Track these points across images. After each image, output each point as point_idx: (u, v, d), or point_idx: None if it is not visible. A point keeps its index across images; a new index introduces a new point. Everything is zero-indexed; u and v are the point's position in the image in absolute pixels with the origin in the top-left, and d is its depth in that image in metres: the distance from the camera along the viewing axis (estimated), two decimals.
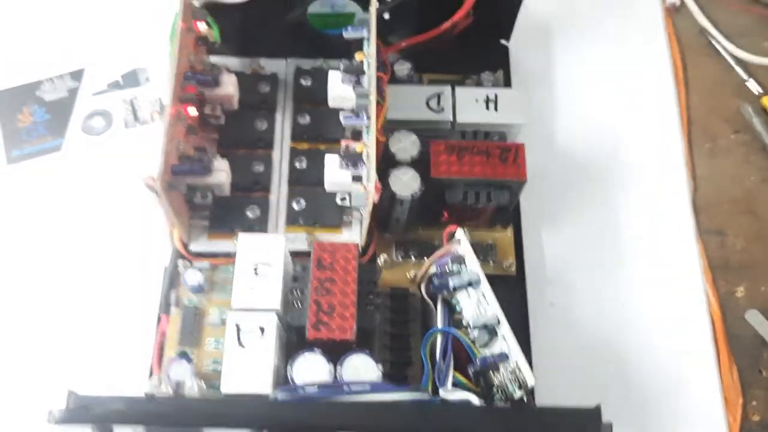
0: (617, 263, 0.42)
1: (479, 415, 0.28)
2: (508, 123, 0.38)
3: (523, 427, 0.28)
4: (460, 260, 0.33)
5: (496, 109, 0.39)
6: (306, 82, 0.43)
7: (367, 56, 0.36)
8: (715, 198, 0.45)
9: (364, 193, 0.35)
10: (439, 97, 0.39)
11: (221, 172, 0.38)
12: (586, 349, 0.40)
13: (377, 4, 0.37)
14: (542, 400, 0.34)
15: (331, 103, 0.40)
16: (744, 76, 0.49)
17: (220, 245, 0.38)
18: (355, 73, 0.38)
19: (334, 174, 0.37)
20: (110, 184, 0.43)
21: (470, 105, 0.39)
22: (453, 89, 0.39)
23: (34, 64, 0.47)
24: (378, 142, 0.35)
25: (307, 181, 0.40)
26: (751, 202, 0.46)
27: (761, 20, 0.51)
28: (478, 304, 0.33)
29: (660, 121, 0.47)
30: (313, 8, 0.41)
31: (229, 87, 0.40)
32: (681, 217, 0.44)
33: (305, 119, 0.42)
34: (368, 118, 0.35)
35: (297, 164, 0.40)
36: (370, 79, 0.36)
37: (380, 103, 0.36)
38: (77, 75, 0.47)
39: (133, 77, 0.47)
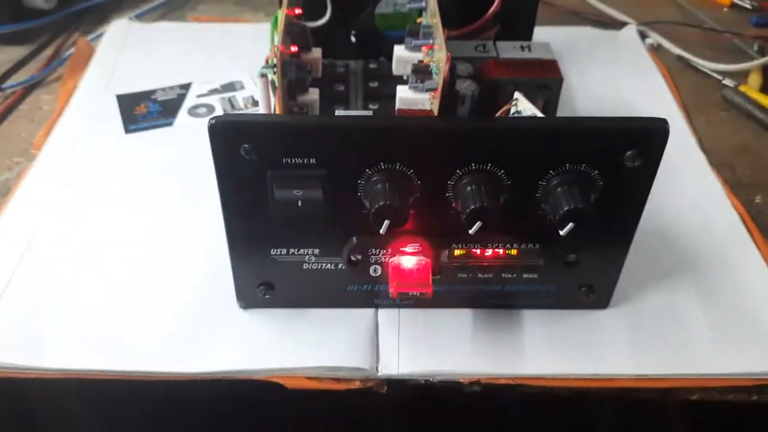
0: None
1: None
2: (541, 58, 0.49)
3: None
4: (518, 113, 0.41)
5: (530, 51, 0.49)
6: (373, 65, 0.54)
7: None
8: (718, 146, 0.53)
9: (435, 82, 0.44)
10: (484, 45, 0.50)
11: (314, 95, 0.47)
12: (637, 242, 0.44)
13: None
14: None
15: (395, 68, 0.51)
16: (719, 77, 0.61)
17: None
18: (416, 34, 0.49)
19: (406, 94, 0.47)
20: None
21: (509, 49, 0.49)
22: (495, 43, 0.50)
23: (151, 80, 0.58)
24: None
25: None
26: (749, 148, 0.53)
27: (721, 43, 0.65)
28: None
29: (661, 105, 0.57)
30: (378, 9, 0.54)
31: (317, 53, 0.51)
32: (693, 156, 0.52)
33: (374, 84, 0.52)
34: (434, 40, 0.46)
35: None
36: (432, 11, 0.47)
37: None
38: (185, 86, 0.58)
39: (230, 86, 0.58)
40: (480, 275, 0.38)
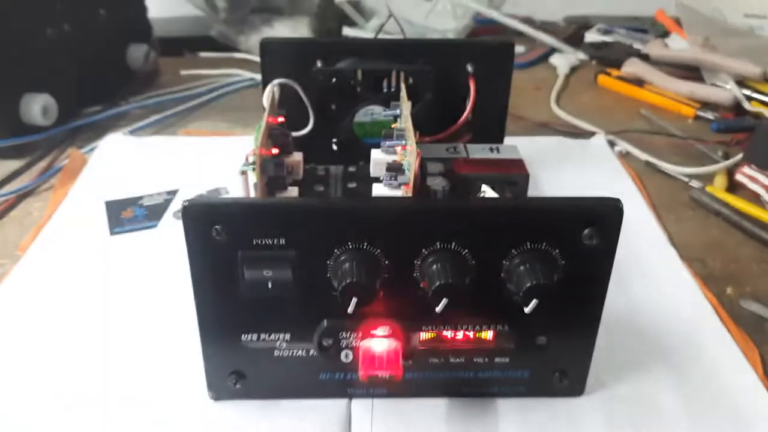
0: (618, 283, 0.49)
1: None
2: (509, 158, 0.51)
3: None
4: None
5: (498, 152, 0.52)
6: (352, 169, 0.57)
7: (401, 101, 0.51)
8: (688, 242, 0.53)
9: (408, 176, 0.46)
10: (455, 147, 0.52)
11: (293, 192, 0.49)
12: (611, 333, 0.44)
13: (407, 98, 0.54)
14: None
15: (373, 170, 0.54)
16: (686, 179, 0.63)
17: None
18: (391, 137, 0.52)
19: (381, 191, 0.49)
20: None
21: (479, 151, 0.52)
22: (465, 145, 0.53)
23: (140, 189, 0.60)
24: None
25: None
26: (718, 243, 0.54)
27: (687, 150, 0.68)
28: None
29: (630, 203, 0.59)
30: (357, 118, 0.58)
31: (298, 157, 0.54)
32: (664, 251, 0.53)
33: (353, 185, 0.54)
34: (406, 141, 0.49)
35: None
36: (405, 117, 0.50)
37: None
38: (172, 192, 0.60)
39: (215, 191, 0.60)
40: (452, 360, 0.37)
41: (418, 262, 0.34)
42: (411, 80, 0.57)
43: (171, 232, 0.55)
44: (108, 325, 0.45)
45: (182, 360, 0.41)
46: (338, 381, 0.38)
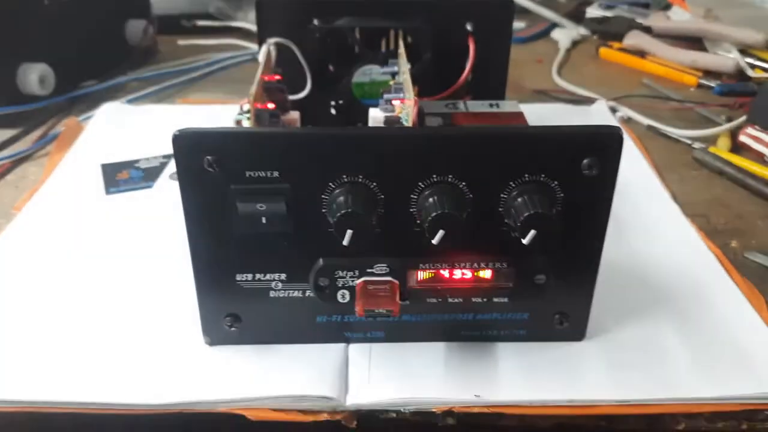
0: (620, 237, 0.48)
1: None
2: (508, 111, 0.50)
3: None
4: None
5: (498, 107, 0.51)
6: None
7: (399, 56, 0.50)
8: (692, 199, 0.53)
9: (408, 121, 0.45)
10: (455, 103, 0.52)
11: None
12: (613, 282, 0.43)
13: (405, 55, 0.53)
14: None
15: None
16: (688, 142, 0.63)
17: None
18: (390, 92, 0.51)
19: None
20: None
21: (478, 106, 0.51)
22: (465, 102, 0.52)
23: (136, 153, 0.60)
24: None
25: None
26: (721, 201, 0.53)
27: (689, 115, 0.68)
28: None
29: (633, 164, 0.58)
30: (355, 78, 0.57)
31: (294, 114, 0.53)
32: (668, 208, 0.52)
33: None
34: (405, 93, 0.48)
35: None
36: (403, 72, 0.49)
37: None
38: (168, 156, 0.59)
39: None
40: (450, 299, 0.37)
41: (415, 197, 0.33)
42: (410, 39, 0.56)
43: (167, 192, 0.54)
44: (102, 277, 0.44)
45: (176, 310, 0.40)
46: (335, 324, 0.38)
